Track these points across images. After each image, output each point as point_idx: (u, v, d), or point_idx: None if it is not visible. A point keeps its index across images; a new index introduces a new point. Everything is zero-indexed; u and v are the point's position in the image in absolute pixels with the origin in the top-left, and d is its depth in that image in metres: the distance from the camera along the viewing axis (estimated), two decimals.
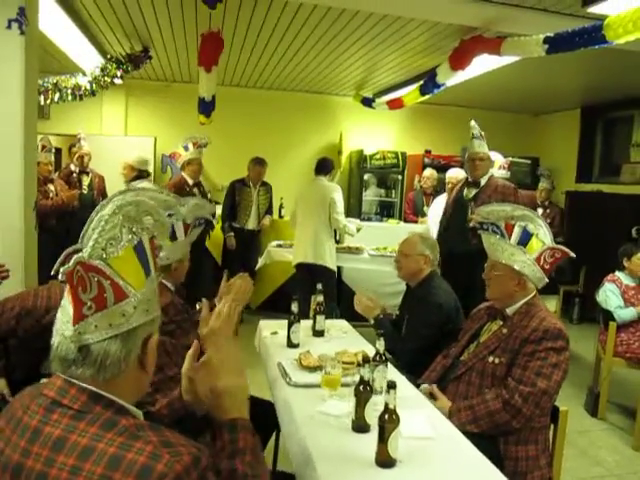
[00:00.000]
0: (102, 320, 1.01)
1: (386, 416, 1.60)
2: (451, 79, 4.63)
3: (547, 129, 8.17)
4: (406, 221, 6.65)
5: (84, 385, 1.02)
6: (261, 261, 5.70)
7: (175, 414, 1.31)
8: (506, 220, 2.31)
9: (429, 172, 6.53)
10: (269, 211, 6.20)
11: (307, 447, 1.71)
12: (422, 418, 1.92)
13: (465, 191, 4.28)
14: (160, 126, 7.16)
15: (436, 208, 5.84)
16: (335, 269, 5.04)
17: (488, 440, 2.05)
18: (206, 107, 4.77)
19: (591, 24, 2.91)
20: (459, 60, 4.26)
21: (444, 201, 5.69)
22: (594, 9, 3.26)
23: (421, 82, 5.05)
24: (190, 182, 5.27)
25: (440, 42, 4.56)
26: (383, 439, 1.60)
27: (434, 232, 5.49)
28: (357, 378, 2.20)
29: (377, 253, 5.66)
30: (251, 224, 5.95)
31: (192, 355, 1.35)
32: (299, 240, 5.04)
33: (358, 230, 5.20)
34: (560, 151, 7.79)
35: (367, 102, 6.94)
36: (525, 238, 2.26)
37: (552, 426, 2.18)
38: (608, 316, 4.12)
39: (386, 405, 1.61)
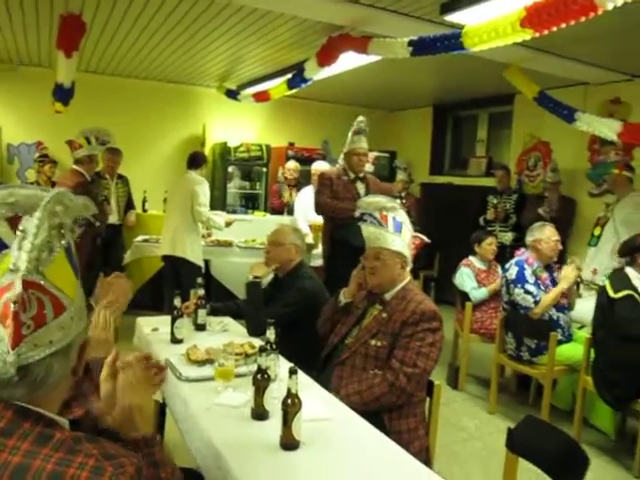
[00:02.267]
0: (42, 338, 0.93)
1: (289, 401, 1.66)
2: (318, 74, 4.77)
3: (403, 125, 8.68)
4: (273, 212, 6.74)
5: (10, 401, 0.93)
6: (128, 257, 5.51)
7: (92, 423, 1.27)
8: (380, 211, 2.47)
9: (292, 164, 6.69)
10: (131, 205, 6.00)
11: (211, 441, 1.72)
12: (318, 400, 2.01)
13: (356, 185, 4.42)
14: (5, 113, 6.54)
15: (303, 200, 6.01)
16: (199, 263, 5.02)
17: (375, 417, 2.18)
18: (64, 94, 4.48)
19: (451, 31, 3.18)
20: (326, 56, 4.40)
21: (311, 193, 5.88)
22: (451, 17, 3.54)
23: (288, 76, 5.14)
24: (88, 178, 4.96)
25: (308, 38, 4.67)
26: (287, 423, 1.66)
27: (302, 224, 5.65)
28: (247, 368, 2.29)
29: (246, 245, 5.71)
30: (112, 218, 5.69)
31: (110, 363, 1.32)
32: (164, 233, 5.06)
33: (228, 224, 5.22)
34: (415, 146, 8.33)
35: (232, 94, 6.91)
36: (398, 226, 2.46)
37: (427, 399, 2.38)
38: (464, 297, 4.53)
39: (289, 390, 1.67)
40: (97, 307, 1.75)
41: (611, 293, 3.36)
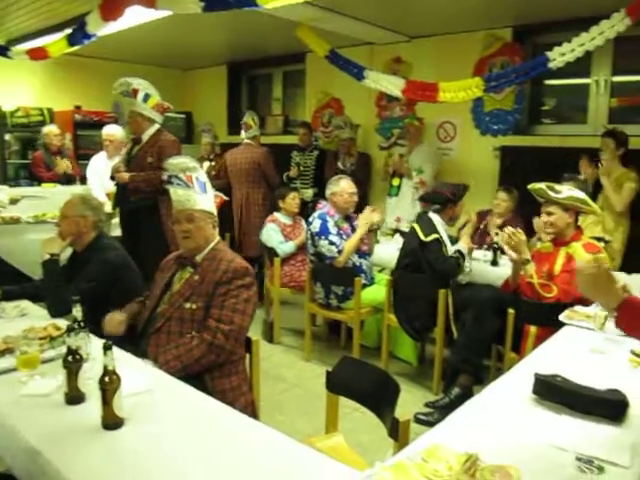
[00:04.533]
0: None
1: (106, 378, 1.58)
2: (102, 30, 4.41)
3: (198, 84, 8.46)
4: (52, 181, 6.13)
5: None
6: None
7: None
8: (185, 171, 2.42)
9: (55, 128, 6.15)
10: None
11: (23, 436, 1.56)
12: (137, 373, 1.94)
13: (132, 149, 4.23)
14: None
15: (96, 167, 5.62)
16: None
17: (197, 380, 2.18)
18: None
19: None
20: (110, 10, 4.08)
21: (102, 159, 5.52)
22: None
23: (69, 31, 4.68)
24: None
25: None
26: (107, 402, 1.58)
27: (99, 192, 5.30)
28: (55, 352, 2.12)
29: (36, 220, 5.20)
30: None
31: None
32: None
33: (14, 201, 4.71)
34: (211, 105, 8.19)
35: (1, 51, 6.09)
36: (202, 186, 2.45)
37: (247, 356, 2.43)
38: (272, 252, 4.65)
39: (105, 367, 1.58)
40: None
41: (422, 237, 3.74)
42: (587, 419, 1.68)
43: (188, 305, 2.34)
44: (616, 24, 3.36)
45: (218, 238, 2.51)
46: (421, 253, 3.74)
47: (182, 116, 7.81)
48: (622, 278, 1.66)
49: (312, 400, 3.44)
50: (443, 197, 3.89)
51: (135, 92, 4.04)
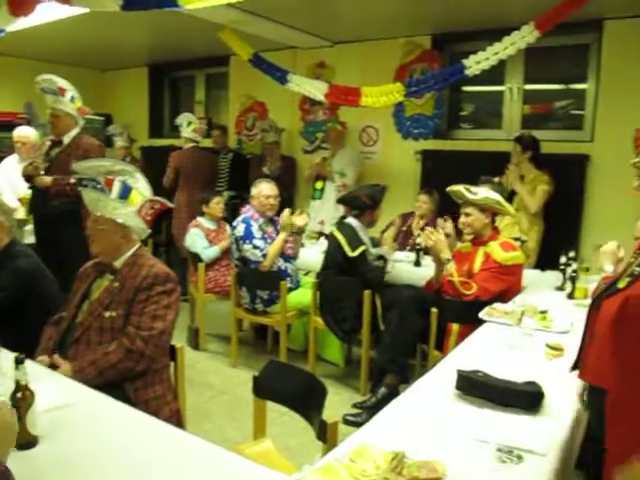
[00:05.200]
0: None
1: (19, 394, 1.49)
2: (12, 25, 4.19)
3: (117, 86, 8.17)
4: None
5: None
6: None
7: None
8: (105, 175, 2.32)
9: None
10: None
11: None
12: (55, 386, 1.84)
13: (51, 151, 4.04)
14: None
15: (8, 171, 5.34)
16: None
17: (118, 391, 2.10)
18: None
19: None
20: (20, 5, 3.88)
21: (13, 163, 5.25)
22: None
23: None
24: None
25: None
26: (19, 419, 1.49)
27: (10, 197, 5.04)
28: None
29: None
30: None
31: None
32: None
33: None
34: (132, 108, 7.94)
35: None
36: (126, 192, 2.34)
37: (172, 364, 2.37)
38: (197, 258, 4.56)
39: (17, 382, 1.49)
40: None
41: (349, 252, 3.75)
42: (507, 411, 1.74)
43: (108, 314, 2.26)
44: (526, 35, 3.54)
45: (138, 244, 2.42)
46: (348, 266, 3.78)
47: (101, 118, 7.52)
48: None
49: (240, 406, 3.39)
50: (360, 203, 3.92)
51: (62, 91, 3.93)
